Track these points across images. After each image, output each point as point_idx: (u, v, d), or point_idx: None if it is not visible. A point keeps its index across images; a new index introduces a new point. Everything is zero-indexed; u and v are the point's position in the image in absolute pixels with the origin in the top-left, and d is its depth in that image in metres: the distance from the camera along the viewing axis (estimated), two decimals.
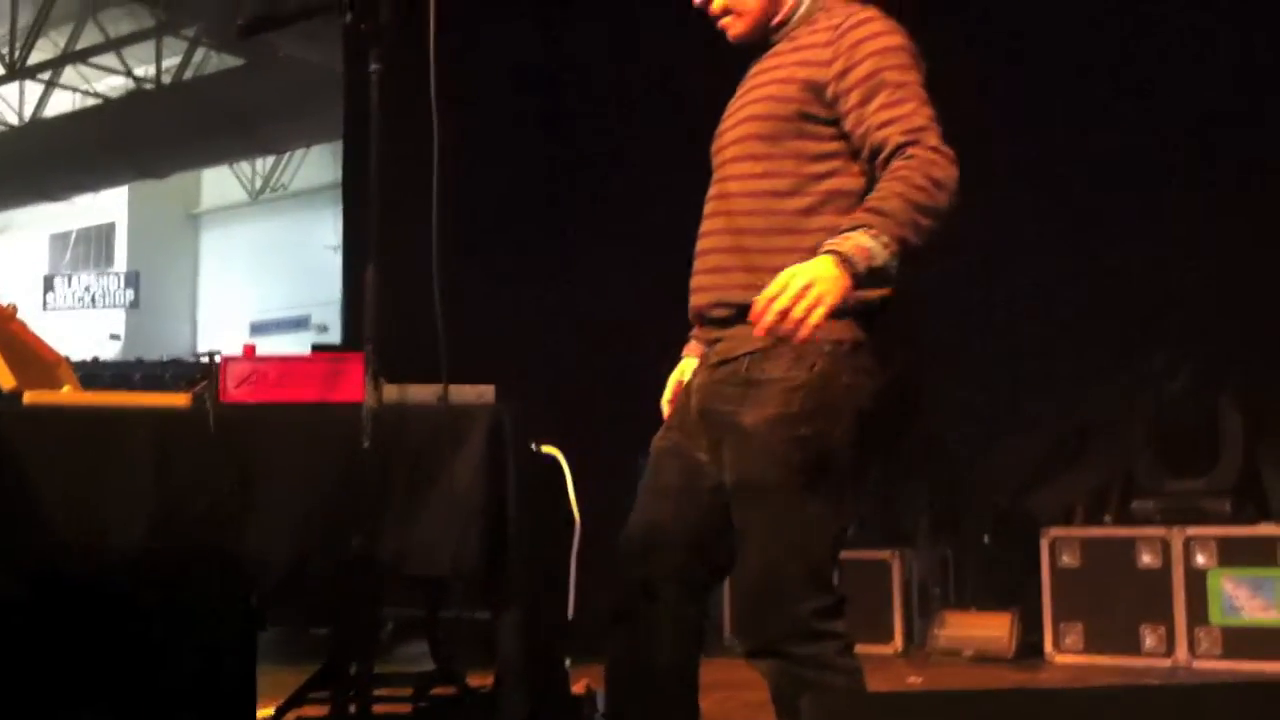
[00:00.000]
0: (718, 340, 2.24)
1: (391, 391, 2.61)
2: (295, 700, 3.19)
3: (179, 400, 2.91)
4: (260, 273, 21.48)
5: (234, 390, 2.91)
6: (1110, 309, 5.65)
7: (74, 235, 23.42)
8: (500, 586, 2.85)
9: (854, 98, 2.15)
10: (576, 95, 6.38)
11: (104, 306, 21.82)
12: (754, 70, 2.32)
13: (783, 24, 2.31)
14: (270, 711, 3.14)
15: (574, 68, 6.35)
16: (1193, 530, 5.14)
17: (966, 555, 5.84)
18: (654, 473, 2.32)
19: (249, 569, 2.88)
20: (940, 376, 5.07)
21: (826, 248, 1.99)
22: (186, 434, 2.83)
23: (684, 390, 2.35)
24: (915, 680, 4.90)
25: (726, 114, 2.33)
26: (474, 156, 5.06)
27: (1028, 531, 5.49)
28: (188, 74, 14.97)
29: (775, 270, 2.01)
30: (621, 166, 6.06)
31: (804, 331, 1.95)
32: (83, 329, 20.07)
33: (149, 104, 15.15)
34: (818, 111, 2.19)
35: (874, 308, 2.12)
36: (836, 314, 2.03)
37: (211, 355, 2.94)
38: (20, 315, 3.12)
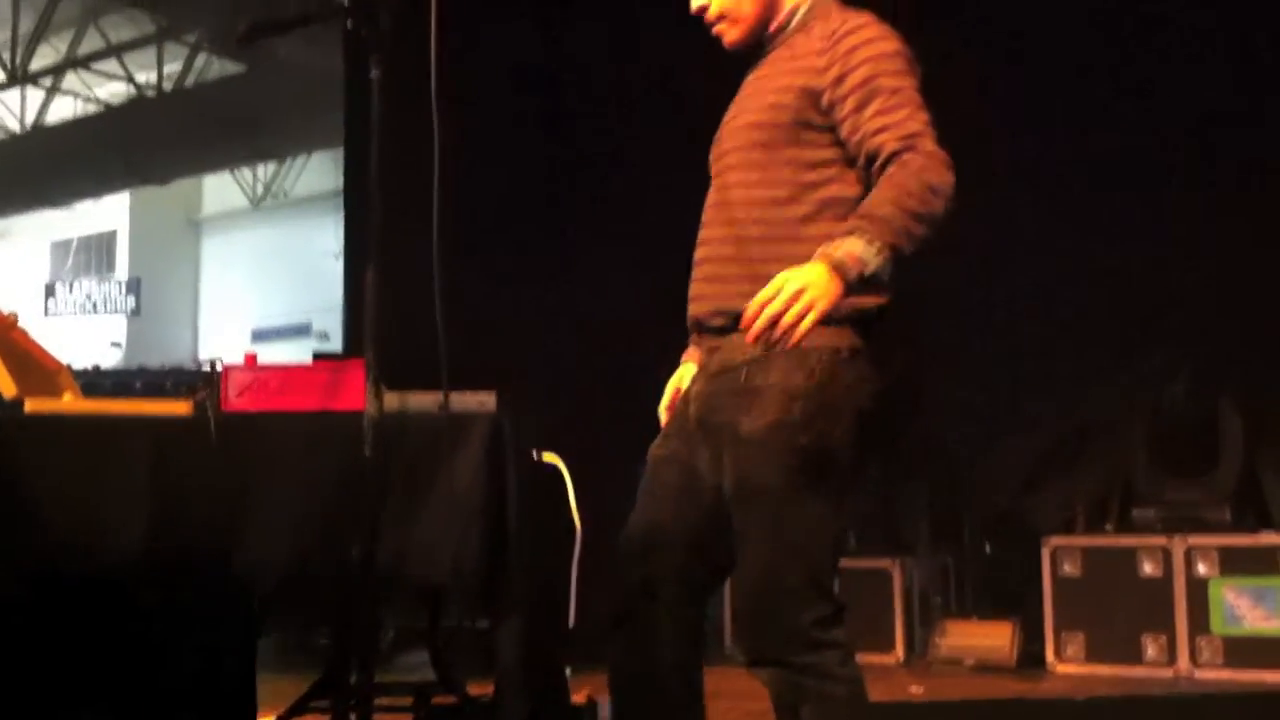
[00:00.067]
0: (716, 349, 2.24)
1: (392, 399, 2.60)
2: (296, 709, 3.19)
3: (180, 408, 2.90)
4: (262, 279, 21.48)
5: (235, 399, 2.91)
6: (1110, 309, 5.64)
7: (75, 242, 23.43)
8: (500, 595, 2.84)
9: (849, 104, 2.15)
10: (576, 95, 6.36)
11: (105, 313, 21.83)
12: (751, 78, 2.33)
13: (779, 31, 2.31)
14: None
15: (574, 68, 6.34)
16: (1194, 539, 5.13)
17: (968, 564, 5.83)
18: (652, 477, 2.33)
19: (249, 576, 2.88)
20: (940, 377, 5.07)
21: (819, 254, 1.99)
22: (188, 442, 2.82)
23: (682, 399, 2.35)
24: (917, 690, 4.89)
25: (724, 121, 2.33)
26: (474, 156, 5.05)
27: (1029, 540, 5.48)
28: (189, 80, 14.98)
29: (772, 279, 2.02)
30: (622, 166, 6.05)
31: (795, 337, 1.96)
32: (84, 336, 20.08)
33: (150, 110, 15.15)
34: (814, 119, 2.19)
35: (871, 315, 2.13)
36: (835, 321, 2.05)
37: (213, 363, 2.94)
38: (21, 322, 3.12)
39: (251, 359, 3.03)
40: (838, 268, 1.98)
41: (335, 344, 12.08)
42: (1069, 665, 5.26)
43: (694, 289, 2.30)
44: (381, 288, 2.38)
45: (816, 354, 2.10)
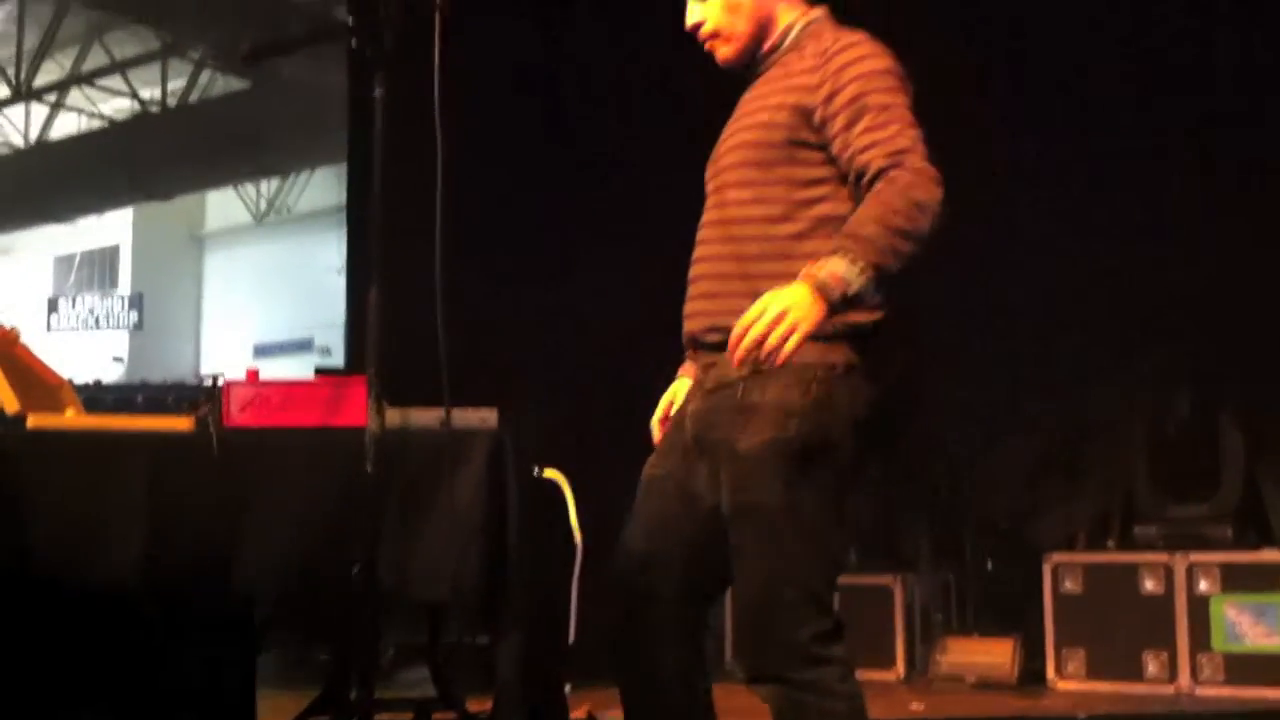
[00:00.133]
0: (712, 365, 2.25)
1: (394, 416, 2.61)
2: None
3: (182, 424, 2.91)
4: (264, 295, 21.51)
5: (237, 414, 2.92)
6: (1110, 309, 5.62)
7: (78, 257, 23.47)
8: (500, 611, 2.85)
9: (840, 121, 2.17)
10: (576, 95, 6.35)
11: (107, 328, 21.86)
12: (746, 97, 2.34)
13: (772, 50, 2.33)
14: None
15: (574, 68, 6.33)
16: (1195, 556, 5.13)
17: (969, 580, 5.81)
18: (646, 496, 2.33)
19: (250, 591, 2.88)
20: (940, 377, 5.06)
21: (803, 275, 2.01)
22: (189, 458, 2.83)
23: (677, 417, 2.36)
24: (917, 707, 4.88)
25: (720, 140, 2.35)
26: (474, 157, 5.05)
27: (1030, 557, 5.47)
28: (193, 96, 15.03)
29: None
30: (622, 167, 6.03)
31: (780, 359, 1.98)
32: (86, 351, 20.10)
33: (154, 126, 15.21)
34: (807, 137, 2.21)
35: (866, 331, 2.14)
36: (830, 338, 2.07)
37: (214, 379, 2.95)
38: (24, 337, 3.13)
39: (253, 374, 3.04)
40: (820, 288, 1.99)
41: (337, 359, 12.09)
42: (1070, 682, 5.25)
43: (689, 306, 2.31)
44: (384, 306, 2.39)
45: (812, 370, 2.11)
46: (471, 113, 5.03)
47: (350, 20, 2.43)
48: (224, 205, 22.10)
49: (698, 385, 2.30)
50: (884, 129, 2.13)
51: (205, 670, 2.94)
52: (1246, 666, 4.96)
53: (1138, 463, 5.56)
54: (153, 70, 15.00)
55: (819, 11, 2.35)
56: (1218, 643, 5.02)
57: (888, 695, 5.10)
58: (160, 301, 22.06)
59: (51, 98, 16.55)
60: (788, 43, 2.31)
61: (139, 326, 21.79)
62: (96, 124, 16.90)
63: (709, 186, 2.34)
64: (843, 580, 2.22)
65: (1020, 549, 5.65)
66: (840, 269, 2.00)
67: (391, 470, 2.60)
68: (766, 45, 2.33)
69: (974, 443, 5.87)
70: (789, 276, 2.06)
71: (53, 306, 22.28)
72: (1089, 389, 5.67)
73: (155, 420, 3.05)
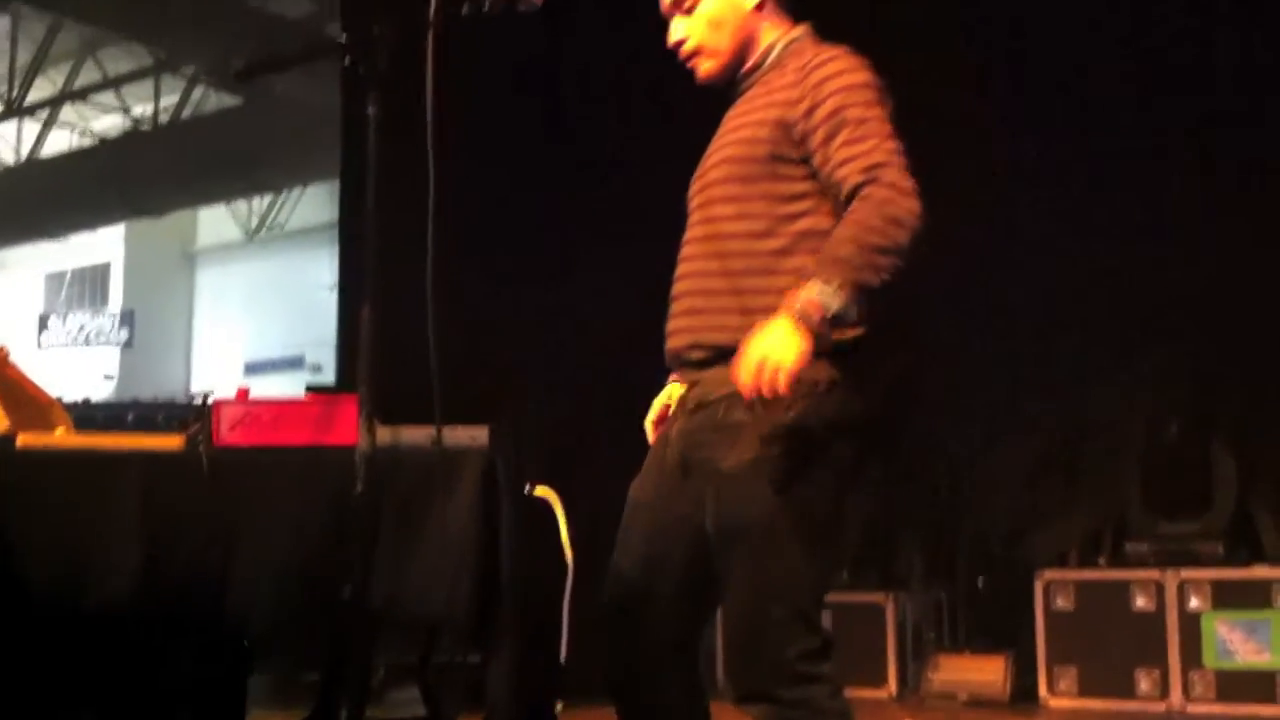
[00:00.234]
0: (696, 383, 2.25)
1: (385, 434, 2.61)
2: None
3: (172, 443, 2.90)
4: (256, 312, 21.49)
5: (227, 433, 2.91)
6: (1110, 309, 5.63)
7: (69, 275, 23.44)
8: (491, 630, 2.84)
9: (819, 136, 2.18)
10: (577, 95, 6.34)
11: (98, 345, 21.82)
12: (729, 115, 2.35)
13: (754, 69, 2.34)
14: None
15: (574, 68, 6.34)
16: (1187, 573, 5.13)
17: (960, 598, 5.81)
18: (634, 516, 2.33)
19: (241, 612, 2.87)
20: (940, 377, 5.04)
21: (783, 308, 2.02)
22: (179, 477, 2.82)
23: (661, 438, 2.36)
24: None
25: (704, 158, 2.35)
26: (474, 158, 5.04)
27: (1021, 574, 5.47)
28: (186, 112, 15.04)
29: (750, 312, 2.08)
30: (622, 167, 6.03)
31: (783, 395, 2.00)
32: (77, 368, 20.06)
33: (146, 143, 15.22)
34: (788, 152, 2.21)
35: (846, 347, 2.14)
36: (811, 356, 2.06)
37: (205, 397, 2.94)
38: (14, 355, 3.12)
39: (244, 393, 3.03)
40: (801, 318, 2.01)
41: (329, 376, 12.08)
42: (1062, 699, 5.24)
43: (672, 323, 2.31)
44: (376, 323, 2.38)
45: (794, 388, 2.11)
46: (471, 113, 5.03)
47: (343, 37, 2.43)
48: (216, 222, 22.09)
49: (681, 403, 2.31)
50: (861, 143, 2.13)
51: (196, 690, 2.92)
52: (1238, 683, 4.96)
53: (1130, 479, 5.56)
54: (145, 87, 15.02)
55: (801, 30, 2.36)
56: (1209, 660, 5.02)
57: (880, 713, 5.10)
58: (151, 319, 22.03)
59: (43, 114, 16.55)
60: (769, 61, 2.32)
61: (130, 344, 21.76)
62: (88, 141, 16.91)
63: (693, 204, 2.35)
64: (834, 598, 2.23)
65: (1012, 566, 5.65)
66: (815, 293, 2.01)
67: (383, 489, 2.60)
68: (748, 64, 2.34)
69: (973, 442, 5.87)
70: (774, 292, 2.07)
71: (43, 324, 22.25)
72: (1089, 389, 5.68)
73: (145, 439, 3.04)
